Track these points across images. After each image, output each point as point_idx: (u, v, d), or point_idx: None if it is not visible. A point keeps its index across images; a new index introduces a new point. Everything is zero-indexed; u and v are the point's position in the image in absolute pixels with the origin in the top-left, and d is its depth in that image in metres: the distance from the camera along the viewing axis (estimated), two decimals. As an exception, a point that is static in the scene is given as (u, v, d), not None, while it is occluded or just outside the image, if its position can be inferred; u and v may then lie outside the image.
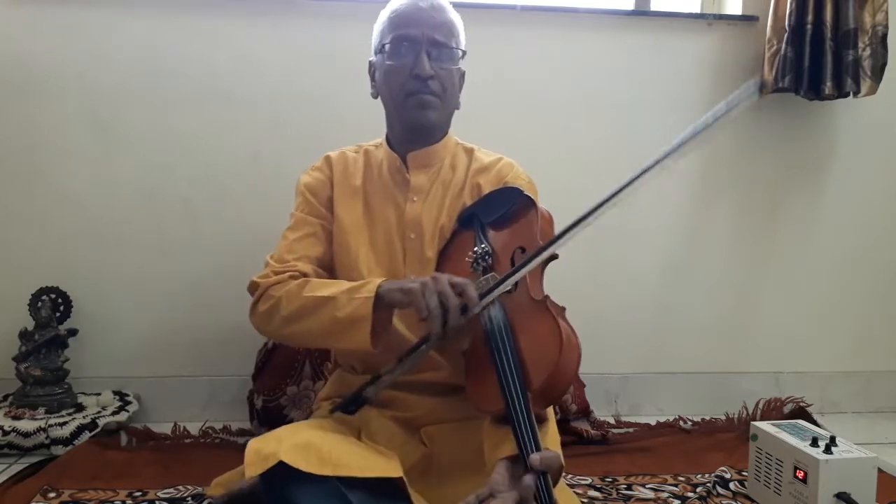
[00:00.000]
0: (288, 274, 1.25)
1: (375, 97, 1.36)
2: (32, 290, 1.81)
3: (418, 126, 1.30)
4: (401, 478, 1.01)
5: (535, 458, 0.90)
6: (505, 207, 1.23)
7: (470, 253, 1.19)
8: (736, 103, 0.95)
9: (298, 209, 1.36)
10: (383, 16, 1.32)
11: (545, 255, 1.06)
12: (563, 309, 1.08)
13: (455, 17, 1.31)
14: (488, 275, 1.14)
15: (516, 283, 1.11)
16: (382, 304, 1.11)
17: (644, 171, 0.98)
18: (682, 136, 0.97)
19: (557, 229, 1.13)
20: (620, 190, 0.99)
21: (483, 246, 1.18)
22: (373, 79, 1.36)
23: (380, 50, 1.30)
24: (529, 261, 1.06)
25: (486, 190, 1.31)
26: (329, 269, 1.33)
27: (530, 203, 1.22)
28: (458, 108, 1.36)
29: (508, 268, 1.13)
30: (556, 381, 0.99)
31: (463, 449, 1.15)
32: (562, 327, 1.01)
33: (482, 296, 1.06)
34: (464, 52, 1.32)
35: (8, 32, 1.81)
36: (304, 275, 1.26)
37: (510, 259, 1.15)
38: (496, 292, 1.06)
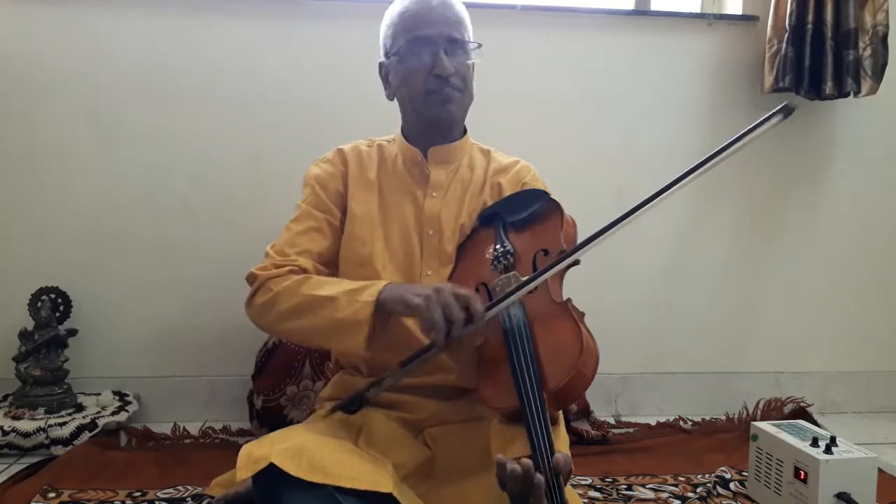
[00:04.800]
0: (287, 268, 1.21)
1: (391, 99, 1.33)
2: (32, 290, 1.81)
3: (440, 122, 1.28)
4: (390, 494, 0.98)
5: (559, 457, 0.90)
6: (530, 209, 1.23)
7: (491, 250, 1.19)
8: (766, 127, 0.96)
9: (305, 201, 1.32)
10: (393, 15, 1.28)
11: (562, 265, 1.06)
12: (583, 314, 1.08)
13: (463, 10, 1.29)
14: (508, 273, 1.14)
15: (536, 286, 1.11)
16: (382, 311, 1.08)
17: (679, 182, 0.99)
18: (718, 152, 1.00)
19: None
20: (653, 199, 1.01)
21: (505, 245, 1.18)
22: (385, 81, 1.32)
23: (394, 52, 1.27)
24: (547, 270, 1.05)
25: (507, 190, 1.31)
26: (331, 265, 1.30)
27: (556, 206, 1.22)
28: (472, 100, 1.33)
29: (529, 269, 1.13)
30: (574, 384, 0.99)
31: (466, 451, 1.14)
32: (582, 331, 1.02)
33: (495, 302, 1.05)
34: (478, 45, 1.29)
35: (8, 32, 1.81)
36: (304, 270, 1.22)
37: (532, 260, 1.15)
38: (514, 297, 1.05)
